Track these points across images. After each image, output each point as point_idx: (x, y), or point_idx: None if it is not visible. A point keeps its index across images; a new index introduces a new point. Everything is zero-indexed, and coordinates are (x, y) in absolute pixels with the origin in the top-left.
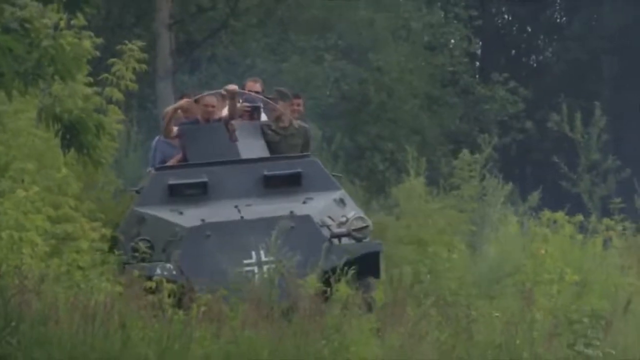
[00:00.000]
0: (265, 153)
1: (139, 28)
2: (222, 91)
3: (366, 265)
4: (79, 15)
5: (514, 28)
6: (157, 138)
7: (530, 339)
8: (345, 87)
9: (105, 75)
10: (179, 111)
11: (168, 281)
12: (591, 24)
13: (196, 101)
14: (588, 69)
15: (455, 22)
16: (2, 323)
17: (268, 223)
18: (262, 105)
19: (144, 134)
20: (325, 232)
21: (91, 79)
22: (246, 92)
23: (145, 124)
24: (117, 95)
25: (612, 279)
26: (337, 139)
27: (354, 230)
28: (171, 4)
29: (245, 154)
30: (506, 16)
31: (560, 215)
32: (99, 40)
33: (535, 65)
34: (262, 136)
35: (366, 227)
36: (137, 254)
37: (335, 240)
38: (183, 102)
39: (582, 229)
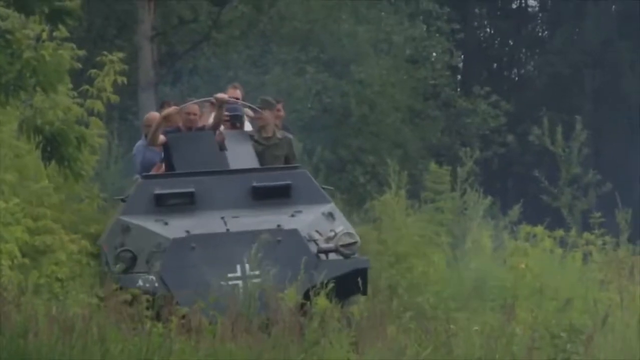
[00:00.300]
0: (255, 163)
1: (120, 39)
2: (212, 99)
3: (353, 282)
4: (61, 27)
5: (496, 42)
6: (138, 143)
7: (510, 353)
8: (326, 99)
9: (87, 87)
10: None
11: (145, 293)
12: (573, 38)
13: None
14: (570, 83)
15: (437, 35)
16: None
17: (254, 236)
18: (242, 113)
19: (125, 145)
20: (313, 247)
21: (73, 91)
22: (231, 100)
23: (127, 135)
24: (99, 107)
25: (591, 294)
26: (319, 152)
27: (342, 246)
28: (153, 15)
29: (234, 164)
30: (488, 29)
31: (539, 229)
32: (82, 52)
33: (517, 79)
34: (251, 146)
35: (354, 243)
36: (119, 265)
37: (323, 256)
38: (171, 109)
39: (562, 243)
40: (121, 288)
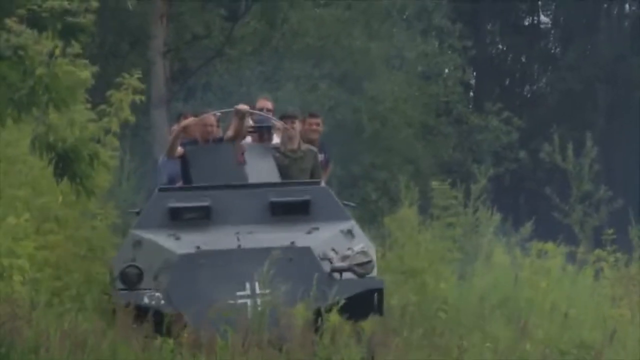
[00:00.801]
0: (276, 178)
1: (133, 55)
2: (233, 110)
3: (368, 301)
4: (74, 43)
5: (508, 58)
6: (162, 158)
7: None
8: (339, 115)
9: (103, 106)
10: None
11: (155, 311)
12: (585, 53)
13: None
14: (582, 99)
15: (449, 52)
16: None
17: (265, 253)
18: (271, 125)
19: (137, 162)
20: (326, 266)
21: (90, 110)
22: (257, 111)
23: (139, 152)
24: (114, 126)
25: (602, 310)
26: (331, 167)
27: (356, 265)
28: (166, 31)
29: (253, 178)
30: (500, 46)
31: (551, 246)
32: (94, 69)
33: (529, 95)
34: (273, 160)
35: (369, 262)
36: (125, 281)
37: (336, 275)
38: (190, 120)
39: (573, 259)
40: (127, 305)
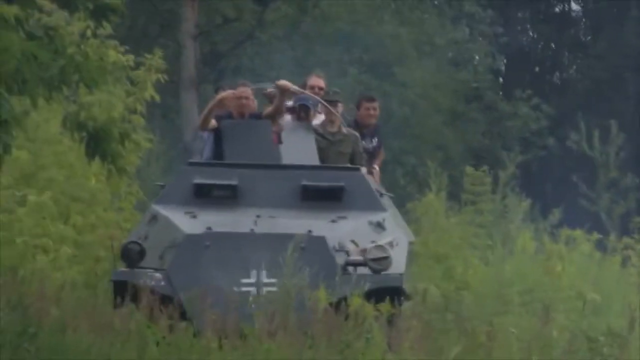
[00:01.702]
0: (314, 160)
1: (164, 38)
2: (273, 86)
3: (384, 299)
4: (105, 24)
5: (539, 45)
6: (206, 133)
7: (548, 357)
8: None
9: (128, 86)
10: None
11: (153, 292)
12: (615, 42)
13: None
14: (611, 87)
15: (479, 38)
16: (20, 330)
17: (277, 240)
18: (312, 104)
19: (167, 144)
20: (340, 258)
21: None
22: (299, 89)
23: (169, 134)
24: (139, 106)
25: (629, 298)
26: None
27: (371, 260)
28: (197, 14)
29: (287, 159)
30: (531, 33)
31: (579, 233)
32: (123, 50)
33: (559, 82)
34: (314, 141)
35: (385, 257)
36: (126, 258)
37: (351, 269)
38: (228, 92)
39: (600, 247)
40: (126, 283)
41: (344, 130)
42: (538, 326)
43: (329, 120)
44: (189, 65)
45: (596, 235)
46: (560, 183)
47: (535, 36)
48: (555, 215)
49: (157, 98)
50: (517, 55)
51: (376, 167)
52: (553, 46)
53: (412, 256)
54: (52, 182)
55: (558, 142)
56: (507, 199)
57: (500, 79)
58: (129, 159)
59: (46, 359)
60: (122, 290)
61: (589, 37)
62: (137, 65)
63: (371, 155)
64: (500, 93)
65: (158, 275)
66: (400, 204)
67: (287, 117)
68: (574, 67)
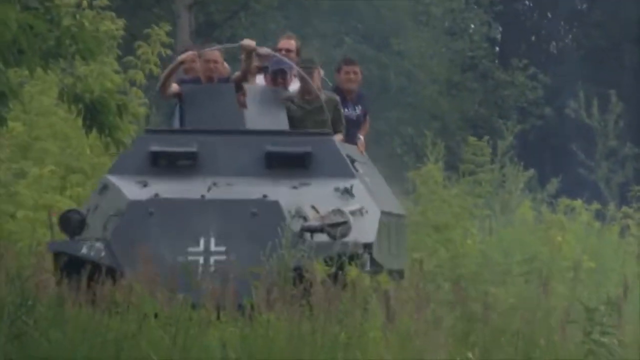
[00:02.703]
0: (282, 126)
1: (159, 8)
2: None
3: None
4: None
5: (535, 14)
6: (177, 103)
7: (546, 326)
8: (365, 71)
9: (130, 58)
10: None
11: (94, 263)
12: (612, 11)
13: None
14: (608, 56)
15: (475, 7)
16: (19, 302)
17: (227, 206)
18: (289, 68)
19: (163, 115)
20: (296, 224)
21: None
22: (266, 50)
23: (165, 105)
24: (140, 78)
25: (628, 267)
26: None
27: (329, 225)
28: None
29: (251, 124)
30: (527, 2)
31: (578, 202)
32: (121, 22)
33: (555, 51)
34: (283, 107)
35: (344, 222)
36: (65, 227)
37: (307, 235)
38: (189, 54)
39: (599, 216)
40: (66, 254)
41: (323, 96)
42: (536, 295)
43: (305, 90)
44: (184, 36)
45: (596, 205)
46: (558, 152)
47: (530, 4)
48: (554, 184)
49: (157, 71)
50: (513, 24)
51: (361, 137)
52: (549, 15)
53: (402, 228)
54: (47, 154)
55: (555, 111)
56: (505, 168)
57: (497, 48)
58: (127, 130)
59: (45, 332)
60: (66, 263)
61: (585, 6)
62: (132, 37)
63: (355, 124)
64: (496, 62)
65: (99, 245)
66: (398, 174)
67: (259, 80)
68: (570, 36)
